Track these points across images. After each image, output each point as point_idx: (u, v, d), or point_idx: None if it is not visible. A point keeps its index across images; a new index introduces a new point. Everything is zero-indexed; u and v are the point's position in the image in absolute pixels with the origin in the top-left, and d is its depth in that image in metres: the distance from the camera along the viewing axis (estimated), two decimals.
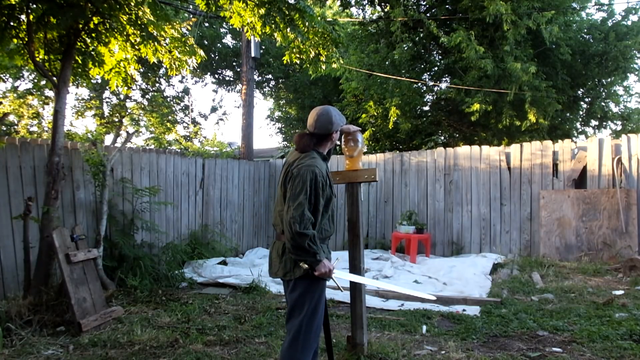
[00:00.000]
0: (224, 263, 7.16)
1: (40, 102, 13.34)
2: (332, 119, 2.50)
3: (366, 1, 12.30)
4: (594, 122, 12.33)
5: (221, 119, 19.28)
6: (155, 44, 5.08)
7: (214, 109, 18.54)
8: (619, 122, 12.28)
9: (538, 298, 4.87)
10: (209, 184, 7.90)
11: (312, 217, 2.33)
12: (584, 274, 5.85)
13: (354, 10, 13.50)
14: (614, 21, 10.78)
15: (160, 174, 6.90)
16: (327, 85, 14.42)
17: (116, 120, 15.78)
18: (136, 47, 5.13)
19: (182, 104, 17.46)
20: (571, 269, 6.15)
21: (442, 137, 12.50)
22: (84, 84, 11.88)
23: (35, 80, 12.52)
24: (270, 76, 17.39)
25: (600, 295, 4.84)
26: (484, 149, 7.81)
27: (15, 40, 4.65)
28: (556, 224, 6.91)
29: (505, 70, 8.98)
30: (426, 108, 12.63)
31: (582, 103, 11.67)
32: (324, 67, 5.84)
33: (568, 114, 11.32)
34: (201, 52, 5.60)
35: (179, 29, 5.37)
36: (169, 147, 14.81)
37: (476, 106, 9.22)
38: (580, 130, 12.65)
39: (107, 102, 15.79)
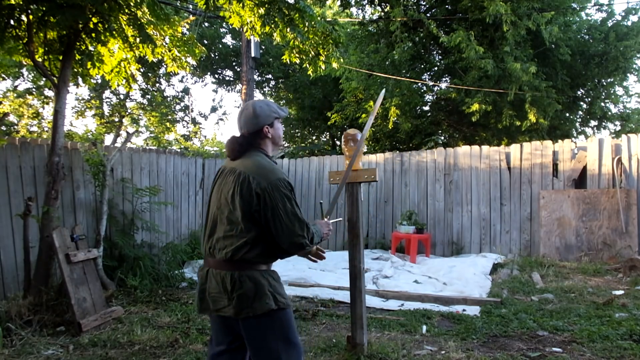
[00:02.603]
0: None
1: (40, 102, 13.35)
2: (256, 112, 2.08)
3: (366, 1, 12.30)
4: (593, 123, 12.35)
5: (221, 119, 19.27)
6: (153, 45, 5.08)
7: (214, 109, 18.54)
8: (618, 123, 12.30)
9: (538, 298, 4.87)
10: (209, 184, 7.90)
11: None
12: (584, 274, 5.85)
13: (353, 10, 13.51)
14: (614, 21, 10.79)
15: (160, 174, 6.90)
16: (327, 85, 14.42)
17: (116, 120, 15.79)
18: (135, 47, 5.12)
19: (182, 104, 17.46)
20: (571, 269, 6.15)
21: (442, 137, 12.50)
22: (85, 84, 11.88)
23: (35, 80, 12.53)
24: (270, 76, 17.39)
25: (600, 295, 4.84)
26: (484, 149, 7.81)
27: (14, 40, 4.65)
28: (556, 224, 6.91)
29: (505, 70, 8.98)
30: (426, 108, 12.64)
31: (581, 103, 11.68)
32: (323, 67, 5.84)
33: (568, 114, 11.33)
34: (202, 49, 5.59)
35: (178, 27, 5.37)
36: (169, 147, 14.82)
37: (476, 106, 9.22)
38: (580, 130, 12.68)
39: (107, 102, 15.80)
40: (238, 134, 2.12)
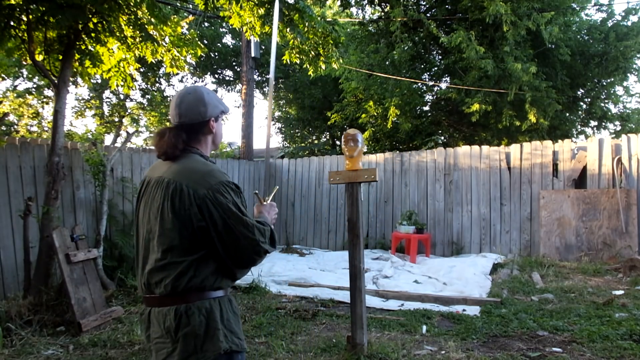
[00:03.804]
0: None
1: (40, 102, 13.36)
2: (204, 98, 1.64)
3: (366, 1, 12.30)
4: (593, 123, 12.36)
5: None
6: (154, 44, 5.08)
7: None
8: (618, 123, 12.31)
9: (538, 298, 4.87)
10: None
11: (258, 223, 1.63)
12: (584, 274, 5.85)
13: (353, 10, 13.51)
14: (614, 22, 10.80)
15: None
16: (327, 85, 14.43)
17: (116, 120, 15.80)
18: (134, 47, 5.12)
19: None
20: (571, 269, 6.15)
21: (442, 137, 12.52)
22: (84, 84, 11.91)
23: (35, 80, 12.53)
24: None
25: (600, 295, 4.84)
26: (484, 149, 7.81)
27: (14, 40, 4.65)
28: (556, 224, 6.91)
29: (505, 70, 8.98)
30: (426, 108, 12.65)
31: (581, 103, 11.68)
32: (323, 67, 5.85)
33: (568, 114, 11.34)
34: (201, 48, 5.60)
35: (178, 28, 5.37)
36: None
37: (476, 106, 9.23)
38: (579, 130, 12.69)
39: (107, 102, 15.81)
40: (172, 126, 1.65)
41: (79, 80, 5.58)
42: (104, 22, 4.67)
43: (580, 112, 11.89)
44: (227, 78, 18.23)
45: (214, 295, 1.54)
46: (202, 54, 5.67)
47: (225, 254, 1.53)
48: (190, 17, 9.45)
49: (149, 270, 1.55)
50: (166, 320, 1.49)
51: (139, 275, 1.62)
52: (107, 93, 15.28)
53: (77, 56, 4.88)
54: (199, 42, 5.53)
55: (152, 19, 4.88)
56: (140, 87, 15.51)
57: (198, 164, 1.59)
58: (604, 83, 11.08)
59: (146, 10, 4.79)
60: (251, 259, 1.57)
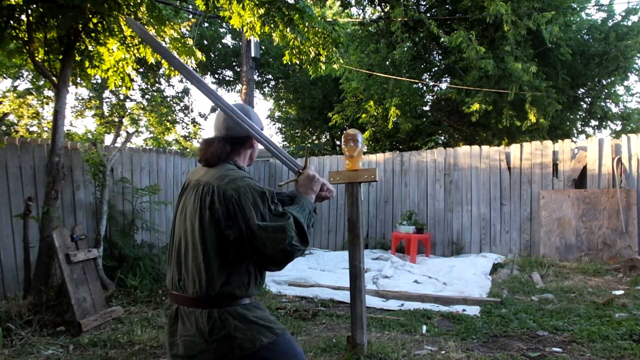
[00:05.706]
0: None
1: (40, 102, 13.36)
2: (251, 115, 1.77)
3: (366, 1, 12.30)
4: (593, 122, 12.36)
5: None
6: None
7: (214, 109, 18.52)
8: (618, 122, 12.30)
9: (538, 298, 4.87)
10: None
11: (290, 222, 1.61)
12: (584, 274, 5.85)
13: (354, 10, 13.52)
14: (614, 21, 10.80)
15: (160, 174, 6.90)
16: (327, 85, 14.43)
17: (116, 120, 15.79)
18: (134, 47, 5.12)
19: (182, 104, 17.46)
20: (571, 269, 6.15)
21: (443, 137, 12.52)
22: (84, 84, 11.92)
23: (35, 80, 12.53)
24: (270, 76, 17.40)
25: (600, 295, 4.84)
26: (484, 149, 7.81)
27: (14, 41, 4.65)
28: (556, 224, 6.91)
29: (505, 70, 8.98)
30: (426, 108, 12.65)
31: (582, 103, 11.68)
32: (323, 67, 5.84)
33: (568, 114, 11.34)
34: (199, 55, 5.58)
35: (178, 29, 5.37)
36: (168, 147, 14.81)
37: (476, 106, 9.23)
38: (580, 130, 12.69)
39: (107, 102, 15.80)
40: (220, 136, 1.74)
41: (78, 80, 5.57)
42: (104, 22, 4.67)
43: (580, 112, 11.89)
44: (227, 78, 18.23)
45: (243, 302, 1.62)
46: (201, 58, 5.67)
47: (254, 255, 1.59)
48: (192, 20, 9.45)
49: (184, 268, 1.63)
50: (198, 322, 1.56)
51: (170, 271, 1.70)
52: (107, 93, 15.27)
53: (77, 57, 4.88)
54: (195, 52, 5.51)
55: (152, 20, 4.88)
56: (140, 87, 15.50)
57: (232, 171, 1.67)
58: (604, 83, 11.08)
59: (145, 11, 4.79)
60: (278, 260, 1.60)
